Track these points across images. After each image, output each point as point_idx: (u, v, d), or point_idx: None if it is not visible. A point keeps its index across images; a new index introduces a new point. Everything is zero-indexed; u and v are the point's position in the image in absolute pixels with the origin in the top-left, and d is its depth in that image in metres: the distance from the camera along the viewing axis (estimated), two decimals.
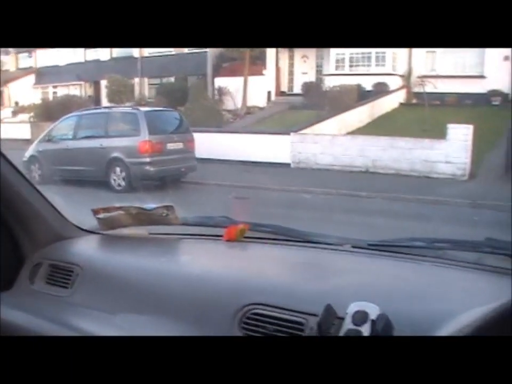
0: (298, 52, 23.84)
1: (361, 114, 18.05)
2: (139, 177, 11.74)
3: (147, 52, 26.23)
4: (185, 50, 24.17)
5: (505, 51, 19.25)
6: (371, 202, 10.56)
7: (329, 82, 20.69)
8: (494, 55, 19.42)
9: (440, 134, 13.66)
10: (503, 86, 19.40)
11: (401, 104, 20.11)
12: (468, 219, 8.97)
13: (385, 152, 14.00)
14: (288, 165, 14.98)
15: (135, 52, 26.27)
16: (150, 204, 1.96)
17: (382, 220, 8.10)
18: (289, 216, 7.40)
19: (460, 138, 13.34)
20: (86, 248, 1.96)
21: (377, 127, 16.64)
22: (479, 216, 9.13)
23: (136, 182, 11.64)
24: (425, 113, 16.56)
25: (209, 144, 14.64)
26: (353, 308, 1.18)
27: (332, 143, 14.86)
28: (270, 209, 8.31)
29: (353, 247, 1.83)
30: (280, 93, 23.76)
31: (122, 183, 11.86)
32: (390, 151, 13.95)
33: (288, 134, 15.47)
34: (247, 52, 21.06)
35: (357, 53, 21.45)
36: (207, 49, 23.21)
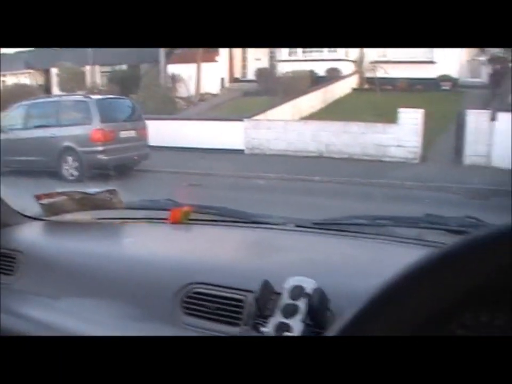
0: None
1: (314, 100, 18.13)
2: (92, 166, 11.57)
3: None
4: None
5: None
6: (324, 186, 10.65)
7: (283, 68, 20.72)
8: None
9: (392, 118, 13.84)
10: (452, 72, 19.79)
11: (353, 89, 20.25)
12: (418, 201, 9.14)
13: (338, 137, 14.11)
14: (242, 151, 14.98)
15: None
16: (94, 188, 1.94)
17: (333, 202, 8.19)
18: (241, 201, 7.41)
19: (410, 122, 13.54)
20: (29, 235, 1.94)
21: (330, 112, 16.75)
22: (429, 198, 9.30)
23: (88, 171, 11.48)
24: (377, 98, 16.75)
25: (162, 132, 14.52)
26: (290, 282, 1.20)
27: (285, 128, 14.91)
28: (223, 195, 8.31)
29: (298, 226, 1.85)
30: (233, 80, 23.68)
31: (75, 173, 11.69)
32: (343, 136, 14.07)
33: (242, 120, 15.45)
34: None
35: None
36: None
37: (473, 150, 12.69)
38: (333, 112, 16.56)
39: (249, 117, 15.68)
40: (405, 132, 13.48)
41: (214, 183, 10.70)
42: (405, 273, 0.55)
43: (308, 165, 12.91)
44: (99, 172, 11.43)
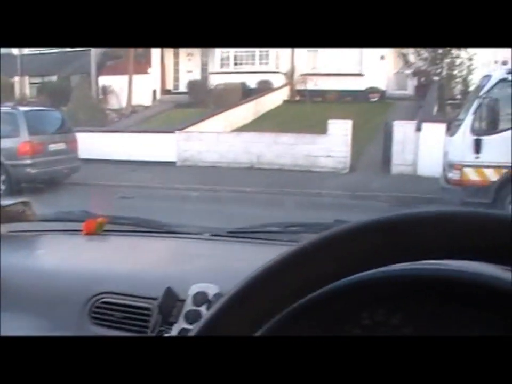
0: (184, 50, 23.78)
1: (246, 112, 18.26)
2: (20, 180, 11.31)
3: (27, 49, 25.25)
4: (68, 48, 23.51)
5: (381, 50, 20.18)
6: (255, 197, 10.73)
7: (214, 80, 20.80)
8: (371, 55, 20.31)
9: (322, 129, 14.09)
10: (380, 84, 20.33)
11: (284, 101, 20.52)
12: (347, 209, 9.32)
13: (269, 148, 14.26)
14: (174, 163, 14.93)
15: (14, 49, 25.22)
16: (7, 200, 1.92)
17: (263, 212, 8.27)
18: (172, 212, 7.41)
19: (340, 133, 13.82)
20: None
21: (261, 124, 16.91)
22: (358, 206, 9.51)
23: (17, 185, 11.21)
24: (307, 109, 17.01)
25: (93, 144, 14.36)
26: (194, 289, 1.22)
27: (217, 140, 14.96)
28: (154, 207, 8.27)
29: (212, 235, 1.88)
30: (165, 92, 23.61)
31: (2, 187, 11.38)
32: (274, 147, 14.22)
33: (173, 132, 15.41)
34: (131, 50, 20.76)
35: (242, 51, 21.69)
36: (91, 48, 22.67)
37: (400, 159, 13.06)
38: (264, 123, 16.72)
39: (181, 129, 15.65)
40: (334, 143, 13.75)
41: (146, 195, 10.64)
42: (254, 273, 0.58)
43: (239, 176, 12.97)
44: (29, 185, 11.19)
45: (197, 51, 23.55)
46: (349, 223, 0.58)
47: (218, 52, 22.01)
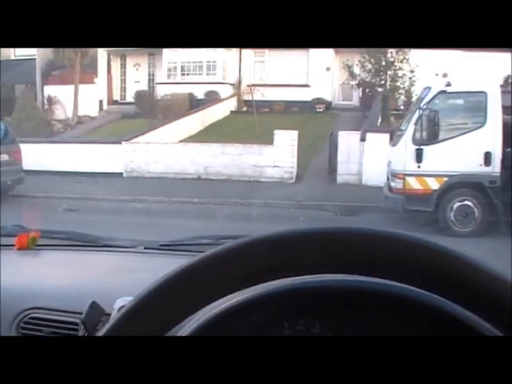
0: (131, 60, 23.62)
1: (193, 122, 18.24)
2: None
3: None
4: (12, 56, 23.05)
5: (327, 62, 20.50)
6: (202, 208, 10.74)
7: (162, 91, 20.73)
8: (317, 66, 20.58)
9: (269, 140, 14.20)
10: (325, 95, 20.61)
11: (232, 112, 20.58)
12: (293, 219, 9.42)
13: (216, 159, 14.30)
14: (120, 174, 14.80)
15: None
16: None
17: (205, 223, 8.28)
18: (114, 225, 7.35)
19: (286, 144, 13.96)
20: None
21: (209, 134, 16.92)
22: (304, 216, 9.61)
23: None
24: (254, 120, 17.10)
25: (38, 156, 14.09)
26: (119, 303, 1.23)
27: (163, 151, 14.90)
28: (98, 219, 8.20)
29: (146, 248, 1.90)
30: (112, 102, 23.38)
31: None
32: (221, 158, 14.28)
33: (120, 143, 15.29)
34: (77, 59, 20.52)
35: (189, 62, 21.68)
36: (36, 56, 22.25)
37: (345, 169, 13.27)
38: (211, 134, 16.74)
39: (127, 139, 15.54)
40: (281, 153, 13.88)
41: (91, 208, 10.52)
42: (156, 282, 0.61)
43: (187, 187, 12.95)
44: None
45: (144, 61, 23.44)
46: (241, 239, 0.62)
47: (165, 62, 21.95)
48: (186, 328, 0.74)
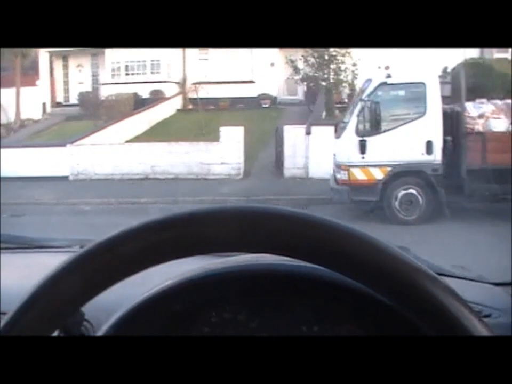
0: (73, 61, 23.26)
1: (139, 122, 18.09)
2: None
3: None
4: None
5: (271, 58, 20.59)
6: (150, 207, 10.67)
7: (106, 91, 20.48)
8: (261, 62, 20.65)
9: (215, 137, 14.20)
10: (271, 90, 20.71)
11: (178, 110, 20.48)
12: None
13: (163, 158, 14.23)
14: (66, 177, 14.57)
15: None
16: None
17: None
18: (59, 228, 7.26)
19: (232, 140, 13.99)
20: None
21: (155, 133, 16.79)
22: None
23: None
24: (200, 118, 17.07)
25: None
26: None
27: (110, 152, 14.75)
28: (44, 224, 8.08)
29: (82, 247, 1.89)
30: (56, 104, 22.98)
31: None
32: (168, 156, 14.21)
33: (65, 146, 15.06)
34: (17, 61, 20.09)
35: (132, 61, 21.50)
36: None
37: (291, 163, 13.38)
38: (158, 133, 16.63)
39: (72, 142, 15.31)
40: (227, 149, 13.91)
41: (37, 212, 10.34)
42: (43, 277, 0.61)
43: (134, 187, 12.84)
44: None
45: (87, 62, 23.13)
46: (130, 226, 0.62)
47: (109, 62, 21.70)
48: (108, 322, 0.76)
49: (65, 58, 23.28)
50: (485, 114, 9.79)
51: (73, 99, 22.42)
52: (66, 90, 23.64)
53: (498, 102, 10.06)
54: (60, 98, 23.51)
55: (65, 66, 23.62)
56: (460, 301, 0.59)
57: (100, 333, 0.76)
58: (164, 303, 0.77)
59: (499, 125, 9.66)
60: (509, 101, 9.98)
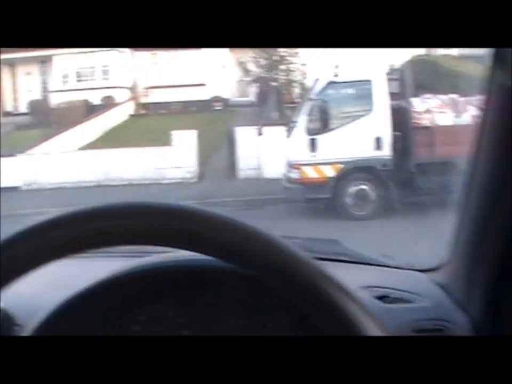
0: (21, 69, 22.84)
1: (91, 129, 17.88)
2: None
3: None
4: None
5: (222, 60, 20.57)
6: None
7: (56, 99, 20.20)
8: (212, 64, 20.62)
9: (167, 141, 14.15)
10: (222, 92, 20.72)
11: (130, 115, 20.32)
12: None
13: (116, 164, 14.14)
14: (17, 188, 14.30)
15: None
16: None
17: None
18: None
19: (185, 144, 13.97)
20: None
21: (108, 140, 16.61)
22: None
23: None
24: (152, 122, 16.98)
25: None
26: None
27: (61, 161, 14.55)
28: None
29: None
30: (4, 114, 22.48)
31: None
32: (121, 163, 14.14)
33: (15, 155, 14.79)
34: None
35: (82, 68, 21.24)
36: None
37: (245, 164, 13.44)
38: (110, 139, 16.45)
39: (23, 151, 15.06)
40: (180, 153, 13.89)
41: None
42: None
43: (87, 195, 12.67)
44: None
45: (35, 69, 22.75)
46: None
47: (58, 69, 21.40)
48: (33, 322, 0.77)
49: (12, 66, 22.84)
50: (431, 109, 9.97)
51: (23, 108, 22.01)
52: (15, 99, 23.19)
53: (444, 96, 10.26)
54: (8, 107, 23.05)
55: (13, 75, 23.16)
56: (333, 281, 0.62)
57: (25, 332, 0.78)
58: (89, 302, 0.79)
59: (445, 118, 9.85)
60: (453, 95, 10.19)
